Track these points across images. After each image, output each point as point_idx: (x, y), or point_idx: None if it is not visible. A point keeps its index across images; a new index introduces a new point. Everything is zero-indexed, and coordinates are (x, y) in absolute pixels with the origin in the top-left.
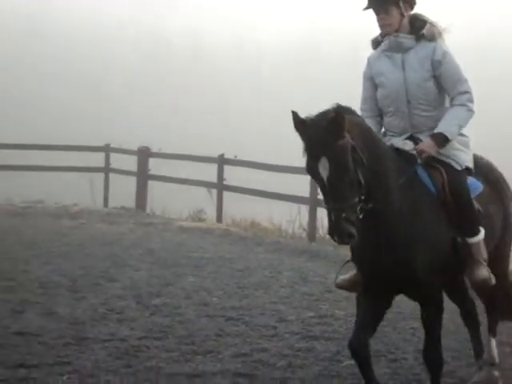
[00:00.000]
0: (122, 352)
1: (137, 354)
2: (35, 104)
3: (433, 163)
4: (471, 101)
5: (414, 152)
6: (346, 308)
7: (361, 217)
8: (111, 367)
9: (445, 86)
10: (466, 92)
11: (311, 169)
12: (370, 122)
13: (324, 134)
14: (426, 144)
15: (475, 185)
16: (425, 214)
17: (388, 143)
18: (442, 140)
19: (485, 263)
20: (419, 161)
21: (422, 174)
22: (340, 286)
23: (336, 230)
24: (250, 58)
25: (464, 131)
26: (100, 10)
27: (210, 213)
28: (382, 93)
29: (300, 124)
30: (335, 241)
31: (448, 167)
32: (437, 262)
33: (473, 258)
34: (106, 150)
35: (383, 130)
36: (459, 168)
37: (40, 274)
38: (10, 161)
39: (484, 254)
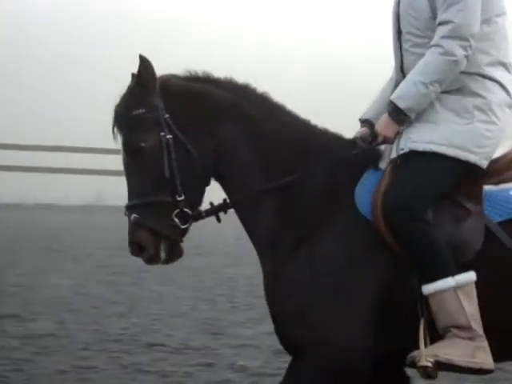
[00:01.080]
0: None
1: None
2: None
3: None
4: (453, 36)
5: (382, 146)
6: None
7: (184, 226)
8: None
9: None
10: (447, 22)
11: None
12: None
13: (123, 99)
14: (381, 122)
15: None
16: (333, 245)
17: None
18: (395, 112)
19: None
20: (382, 163)
21: (366, 184)
22: None
23: (128, 238)
24: None
25: (495, 91)
26: None
27: None
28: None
29: None
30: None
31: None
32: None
33: (423, 320)
34: None
35: None
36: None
37: None
38: None
39: (459, 319)
